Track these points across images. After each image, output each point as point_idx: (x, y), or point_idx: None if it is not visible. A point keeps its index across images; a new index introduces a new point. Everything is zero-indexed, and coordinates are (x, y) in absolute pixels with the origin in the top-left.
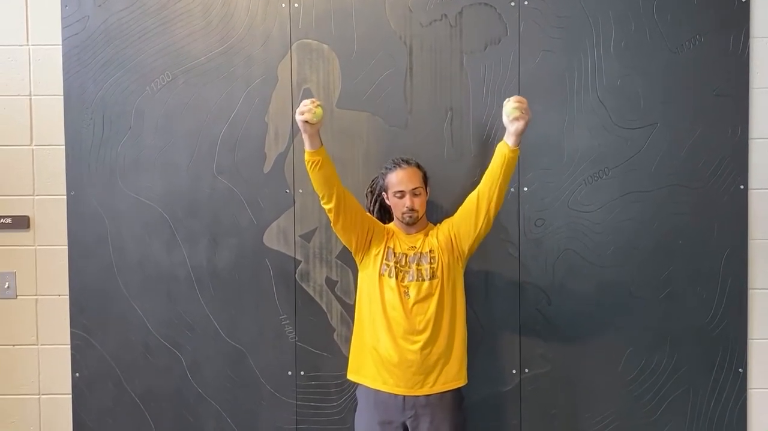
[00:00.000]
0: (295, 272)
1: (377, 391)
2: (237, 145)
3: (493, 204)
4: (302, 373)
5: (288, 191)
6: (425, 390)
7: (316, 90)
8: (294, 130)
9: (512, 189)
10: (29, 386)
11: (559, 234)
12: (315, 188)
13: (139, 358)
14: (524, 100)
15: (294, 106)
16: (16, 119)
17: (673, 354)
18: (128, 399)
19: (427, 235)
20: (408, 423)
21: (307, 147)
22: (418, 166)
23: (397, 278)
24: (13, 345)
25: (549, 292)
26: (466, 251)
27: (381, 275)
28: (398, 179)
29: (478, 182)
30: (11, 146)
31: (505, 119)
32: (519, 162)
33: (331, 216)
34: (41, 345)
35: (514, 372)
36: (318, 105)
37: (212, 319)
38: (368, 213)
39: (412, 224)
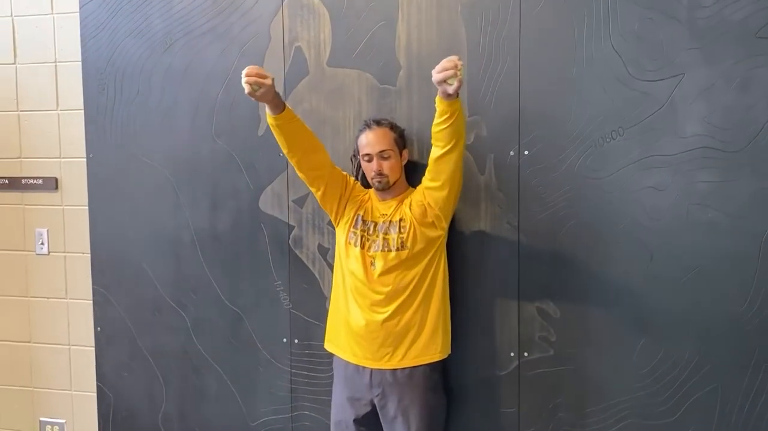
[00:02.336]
0: (289, 238)
1: (347, 364)
2: (233, 107)
3: (449, 167)
4: (296, 341)
5: (281, 154)
6: (393, 363)
7: (307, 48)
8: (285, 90)
9: (511, 153)
10: (61, 337)
11: (565, 203)
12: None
13: (150, 317)
14: (453, 61)
15: (286, 65)
16: (43, 85)
17: (698, 347)
18: (141, 356)
19: (401, 202)
20: (376, 402)
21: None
22: (392, 127)
23: (363, 247)
24: (47, 298)
25: (552, 268)
26: (442, 216)
27: (348, 243)
28: (366, 142)
29: (470, 147)
30: (40, 110)
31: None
32: (518, 122)
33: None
34: (70, 299)
35: (512, 355)
36: (249, 83)
37: (213, 282)
38: (348, 178)
39: (382, 189)
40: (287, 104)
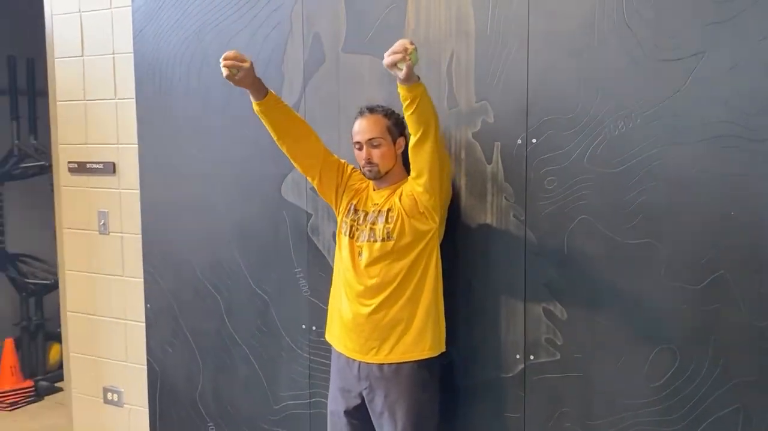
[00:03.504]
0: (307, 226)
1: (339, 355)
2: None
3: (422, 157)
4: (314, 328)
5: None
6: (380, 358)
7: (324, 35)
8: (305, 78)
9: (519, 141)
10: (118, 311)
11: (574, 197)
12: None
13: (190, 298)
14: (403, 45)
15: (305, 53)
16: (103, 75)
17: (717, 360)
18: (182, 334)
19: (394, 192)
20: (364, 395)
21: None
22: (387, 114)
23: (351, 237)
24: (108, 275)
25: (560, 267)
26: (438, 205)
27: (339, 232)
28: (356, 129)
29: (477, 134)
30: (101, 99)
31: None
32: (526, 108)
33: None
34: (126, 277)
35: (517, 357)
36: (226, 66)
37: (243, 268)
38: (345, 166)
39: (374, 178)
40: (270, 90)
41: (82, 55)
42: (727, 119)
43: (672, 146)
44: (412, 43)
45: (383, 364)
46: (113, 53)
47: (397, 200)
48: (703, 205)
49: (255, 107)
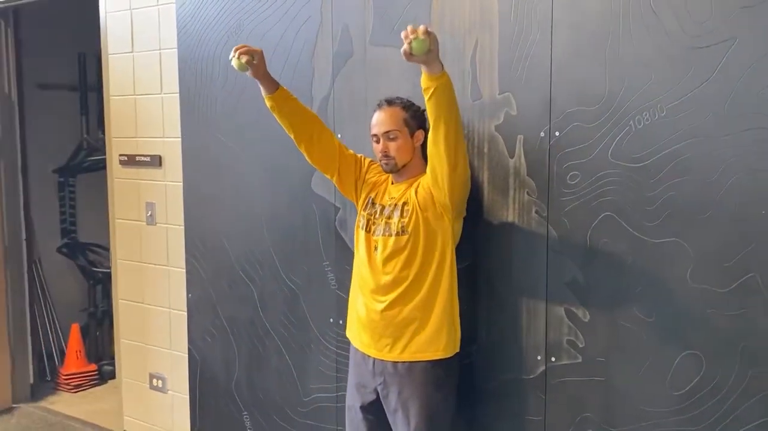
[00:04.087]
0: (335, 220)
1: (356, 350)
2: (291, 87)
3: (433, 150)
4: (341, 322)
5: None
6: (393, 356)
7: (353, 28)
8: (334, 72)
9: (542, 134)
10: (163, 300)
11: (598, 193)
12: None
13: (227, 288)
14: (407, 30)
15: (334, 46)
16: (152, 70)
17: (746, 371)
18: (220, 324)
19: (411, 185)
20: (379, 391)
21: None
22: (406, 106)
23: (368, 231)
24: (154, 264)
25: (582, 266)
26: (450, 205)
27: (357, 226)
28: (374, 122)
29: (500, 127)
30: (149, 94)
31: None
32: (549, 100)
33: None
34: (170, 266)
35: (538, 358)
36: (243, 53)
37: (275, 258)
38: (362, 160)
39: (391, 172)
40: (281, 85)
41: (132, 51)
42: (759, 110)
43: (699, 140)
44: (424, 32)
45: (397, 362)
46: (159, 49)
47: (413, 193)
48: (732, 203)
49: (267, 102)
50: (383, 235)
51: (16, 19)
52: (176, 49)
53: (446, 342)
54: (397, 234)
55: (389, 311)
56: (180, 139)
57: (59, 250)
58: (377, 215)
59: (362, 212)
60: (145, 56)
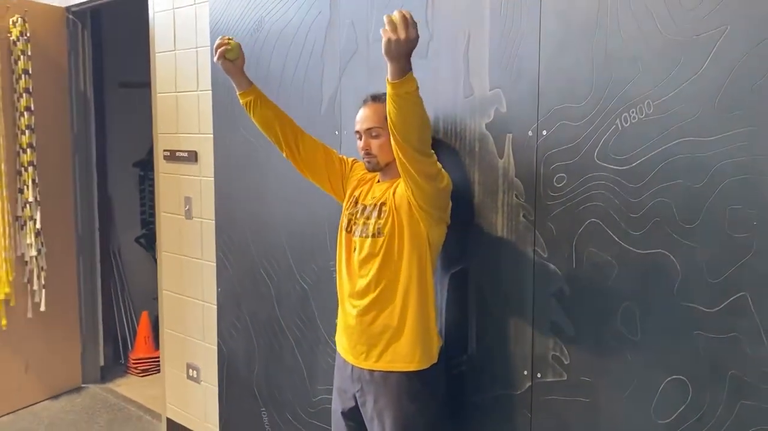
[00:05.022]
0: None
1: (338, 354)
2: (303, 85)
3: (405, 160)
4: None
5: (337, 132)
6: (369, 364)
7: (357, 23)
8: (340, 70)
9: (530, 133)
10: (197, 293)
11: (584, 197)
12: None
13: (249, 284)
14: (400, 17)
15: (341, 41)
16: (190, 67)
17: (734, 401)
18: (243, 319)
19: (392, 185)
20: (357, 397)
21: (236, 89)
22: None
23: (349, 231)
24: (191, 258)
25: (568, 276)
26: (423, 212)
27: (340, 226)
28: (357, 118)
29: (490, 125)
30: (187, 91)
31: None
32: (537, 97)
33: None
34: (203, 260)
35: (525, 373)
36: (230, 39)
37: (289, 256)
38: (345, 159)
39: (373, 170)
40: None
41: (174, 50)
42: (752, 107)
43: (688, 141)
44: (400, 13)
45: (373, 370)
46: (196, 47)
47: (391, 194)
48: (722, 211)
49: (242, 99)
50: (361, 236)
51: (96, 20)
52: (209, 47)
53: (421, 354)
54: (373, 236)
55: (364, 317)
56: (212, 135)
57: (137, 240)
58: (358, 215)
59: (345, 212)
60: (184, 54)
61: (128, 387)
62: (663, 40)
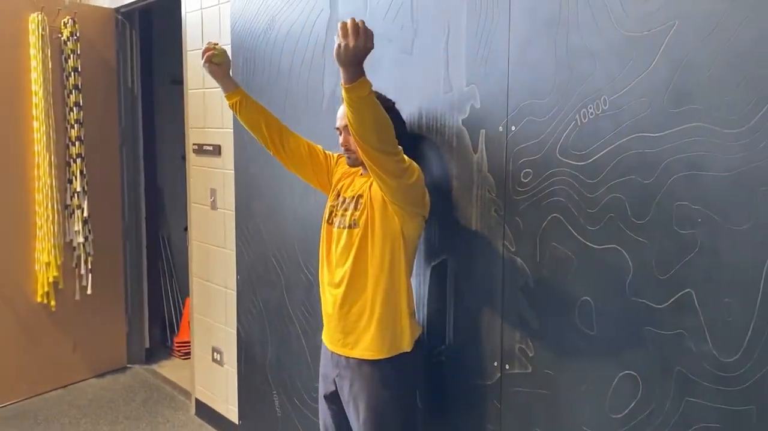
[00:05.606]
0: None
1: (322, 341)
2: (305, 84)
3: (368, 159)
4: None
5: (335, 127)
6: (345, 351)
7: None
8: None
9: (500, 128)
10: (221, 279)
11: (546, 193)
12: None
13: (263, 271)
14: (351, 24)
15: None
16: None
17: (679, 400)
18: (258, 306)
19: (371, 179)
20: (336, 382)
21: (223, 92)
22: None
23: (330, 223)
24: (216, 246)
25: (533, 270)
26: (396, 205)
27: (323, 217)
28: (338, 115)
29: (466, 121)
30: (212, 87)
31: None
32: (507, 90)
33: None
34: (225, 248)
35: (495, 364)
36: (216, 44)
37: (296, 247)
38: (329, 155)
39: (353, 166)
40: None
41: (202, 48)
42: (698, 102)
43: (640, 137)
44: (352, 25)
45: (349, 357)
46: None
47: (368, 186)
48: (669, 207)
49: (228, 101)
50: (339, 227)
51: (146, 20)
52: (229, 46)
53: (390, 343)
54: (349, 227)
55: (341, 306)
56: (233, 130)
57: (185, 229)
58: (338, 207)
59: (328, 204)
60: None
61: (170, 368)
62: (618, 36)
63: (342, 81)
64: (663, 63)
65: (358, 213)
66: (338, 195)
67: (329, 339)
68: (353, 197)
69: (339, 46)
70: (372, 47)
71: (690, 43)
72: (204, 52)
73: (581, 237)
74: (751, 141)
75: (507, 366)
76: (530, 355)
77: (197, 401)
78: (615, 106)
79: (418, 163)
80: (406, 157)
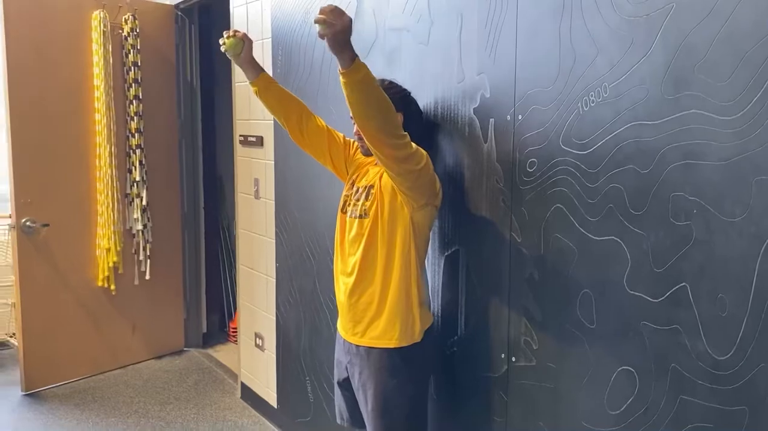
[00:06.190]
0: None
1: (338, 328)
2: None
3: (370, 143)
4: None
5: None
6: (355, 339)
7: (378, 12)
8: (364, 58)
9: (508, 117)
10: (262, 267)
11: (550, 183)
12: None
13: (298, 260)
14: (328, 9)
15: (364, 30)
16: (257, 58)
17: (676, 395)
18: (294, 292)
19: (383, 169)
20: (348, 368)
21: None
22: (384, 89)
23: (344, 212)
24: (258, 235)
25: (537, 261)
26: (404, 193)
27: (338, 207)
28: None
29: (477, 110)
30: None
31: None
32: (514, 78)
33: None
34: (266, 237)
35: (502, 356)
36: (230, 36)
37: (326, 237)
38: (349, 142)
39: (366, 155)
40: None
41: None
42: (695, 88)
43: (638, 125)
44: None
45: (359, 345)
46: (262, 38)
47: (379, 177)
48: (665, 198)
49: (252, 87)
50: (351, 217)
51: (207, 15)
52: (270, 39)
53: (400, 333)
54: (360, 217)
55: (351, 294)
56: (272, 122)
57: None
58: (352, 197)
59: (343, 193)
60: (255, 45)
61: (224, 353)
62: (618, 20)
63: (339, 68)
64: (661, 48)
65: (368, 203)
66: (353, 185)
67: (342, 327)
68: (365, 187)
69: (327, 36)
70: (349, 19)
71: (688, 26)
72: (221, 44)
73: (582, 228)
74: (745, 129)
75: (513, 358)
76: (534, 348)
77: (242, 384)
78: (615, 93)
79: (434, 153)
80: (413, 143)
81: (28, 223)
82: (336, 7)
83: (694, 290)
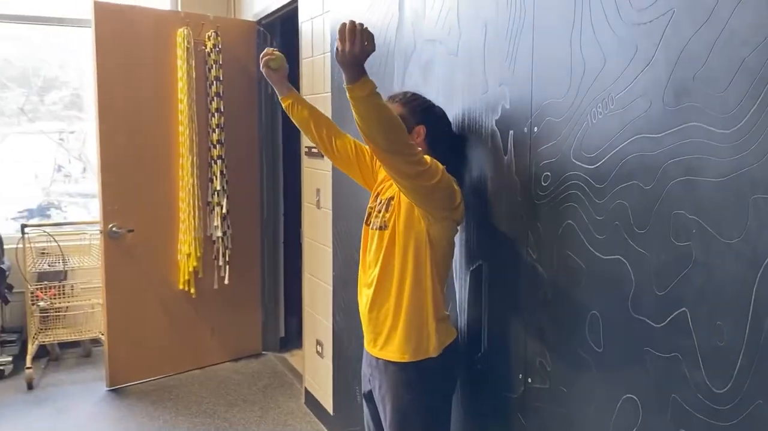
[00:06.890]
0: None
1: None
2: (381, 83)
3: (379, 159)
4: None
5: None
6: (375, 352)
7: (416, 23)
8: (403, 69)
9: (525, 129)
10: (323, 275)
11: (562, 197)
12: None
13: (348, 270)
14: (349, 29)
15: (403, 42)
16: (320, 72)
17: (677, 429)
18: (346, 301)
19: None
20: (370, 381)
21: (278, 95)
22: (406, 102)
23: (367, 224)
24: (320, 243)
25: (550, 279)
26: (421, 207)
27: (364, 219)
28: None
29: (499, 122)
30: (317, 94)
31: None
32: (531, 90)
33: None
34: (326, 246)
35: (520, 377)
36: (275, 50)
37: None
38: (371, 154)
39: None
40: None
41: (312, 56)
42: (696, 100)
43: (641, 138)
44: (353, 24)
45: (378, 358)
46: (323, 53)
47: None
48: (668, 216)
49: (283, 103)
50: (373, 228)
51: (290, 29)
52: (329, 53)
53: (415, 347)
54: (380, 229)
55: (372, 307)
56: None
57: None
58: (376, 208)
59: (369, 205)
60: (319, 59)
61: (298, 358)
62: (622, 28)
63: (344, 82)
64: (663, 56)
65: (388, 215)
66: (377, 197)
67: (365, 339)
68: (387, 199)
69: (337, 50)
70: (372, 50)
71: (687, 33)
72: (262, 57)
73: (591, 246)
74: (742, 143)
75: (530, 380)
76: (548, 370)
77: (306, 390)
78: (620, 105)
79: (461, 165)
80: (427, 158)
81: (114, 228)
82: (363, 30)
83: (694, 317)
